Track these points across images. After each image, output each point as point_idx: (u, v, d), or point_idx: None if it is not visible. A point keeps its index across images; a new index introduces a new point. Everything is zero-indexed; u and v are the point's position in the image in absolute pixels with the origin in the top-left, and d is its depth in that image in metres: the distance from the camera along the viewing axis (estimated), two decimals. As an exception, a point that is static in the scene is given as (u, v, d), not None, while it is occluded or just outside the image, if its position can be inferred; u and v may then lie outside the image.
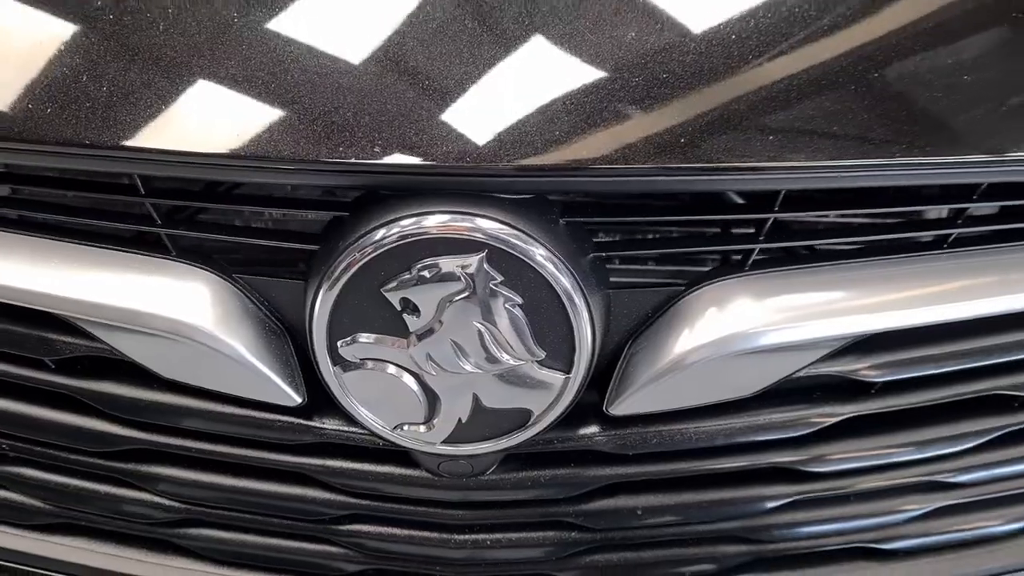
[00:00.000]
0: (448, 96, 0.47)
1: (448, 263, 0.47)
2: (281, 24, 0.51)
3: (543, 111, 0.48)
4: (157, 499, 0.59)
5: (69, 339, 0.55)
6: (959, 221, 0.53)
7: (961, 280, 0.53)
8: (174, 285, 0.51)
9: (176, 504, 0.58)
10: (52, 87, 0.47)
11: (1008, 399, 0.58)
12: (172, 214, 0.54)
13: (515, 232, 0.46)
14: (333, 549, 0.57)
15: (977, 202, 0.52)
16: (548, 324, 0.48)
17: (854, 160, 0.45)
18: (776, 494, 0.56)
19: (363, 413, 0.53)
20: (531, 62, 0.48)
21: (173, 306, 0.51)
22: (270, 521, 0.59)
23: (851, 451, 0.55)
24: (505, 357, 0.49)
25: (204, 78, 0.48)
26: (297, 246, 0.50)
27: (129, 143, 0.45)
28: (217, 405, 0.55)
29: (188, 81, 0.47)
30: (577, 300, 0.47)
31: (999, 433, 0.59)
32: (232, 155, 0.46)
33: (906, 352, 0.53)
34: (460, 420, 0.53)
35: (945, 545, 0.63)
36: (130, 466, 0.56)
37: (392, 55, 0.48)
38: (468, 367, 0.50)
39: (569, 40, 0.50)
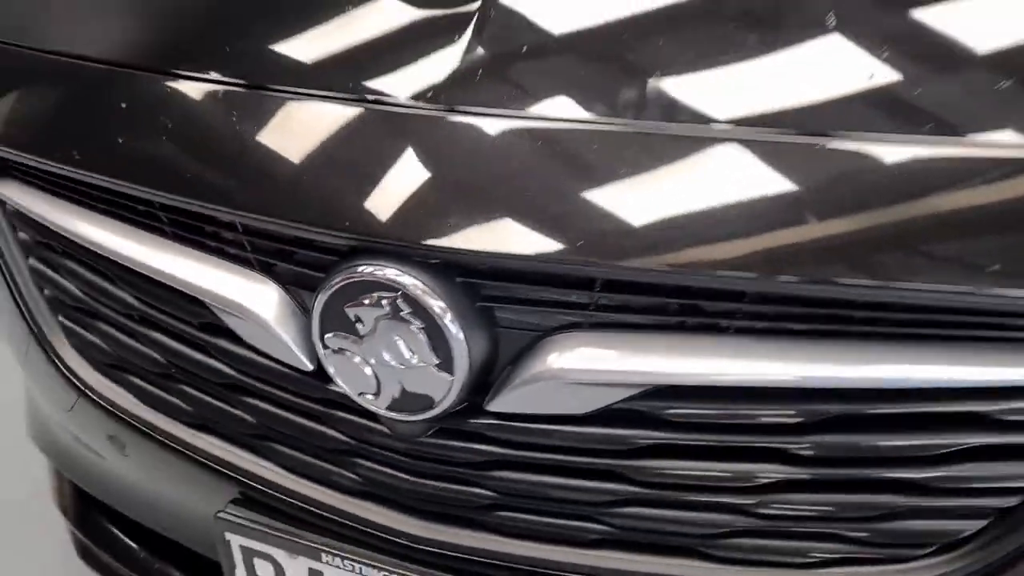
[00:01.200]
0: (391, 185, 0.73)
1: (377, 297, 0.72)
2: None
3: (457, 200, 0.71)
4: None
5: (206, 312, 0.87)
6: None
7: (743, 358, 0.68)
8: (256, 289, 0.80)
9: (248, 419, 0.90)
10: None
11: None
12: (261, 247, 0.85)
13: (421, 285, 0.70)
14: (334, 468, 0.86)
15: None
16: (440, 343, 0.70)
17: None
18: (607, 489, 0.75)
19: (340, 383, 0.80)
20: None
21: (254, 303, 0.80)
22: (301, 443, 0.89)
23: (658, 468, 0.72)
24: (414, 359, 0.73)
25: None
26: (313, 274, 0.77)
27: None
28: (270, 362, 0.84)
29: None
30: (457, 332, 0.69)
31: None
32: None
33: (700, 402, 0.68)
34: (394, 396, 0.77)
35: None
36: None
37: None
38: (393, 363, 0.74)
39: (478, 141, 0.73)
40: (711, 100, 0.64)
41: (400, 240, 0.70)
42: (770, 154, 0.61)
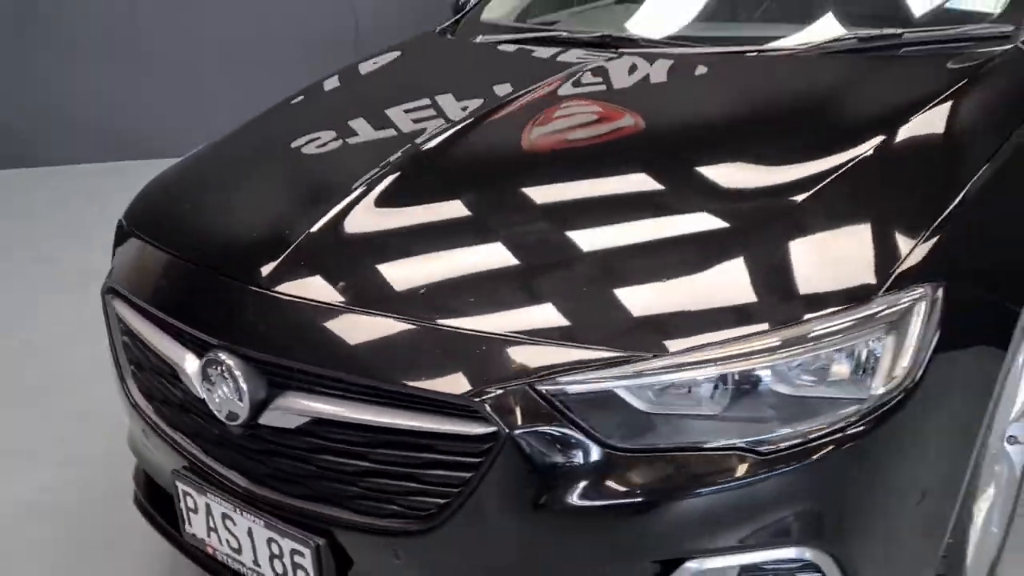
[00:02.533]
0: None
1: (219, 368, 1.35)
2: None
3: (255, 326, 1.37)
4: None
5: (171, 368, 1.52)
6: None
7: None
8: (188, 359, 1.57)
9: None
10: None
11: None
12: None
13: (235, 364, 1.33)
14: (214, 450, 1.48)
15: None
16: (240, 390, 1.32)
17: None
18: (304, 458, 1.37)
19: (210, 406, 1.39)
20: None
21: (186, 366, 1.53)
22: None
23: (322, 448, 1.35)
24: (231, 396, 1.46)
25: None
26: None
27: None
28: (192, 395, 1.47)
29: None
30: (246, 386, 1.40)
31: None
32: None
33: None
34: (226, 413, 1.36)
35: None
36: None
37: None
38: (224, 397, 1.45)
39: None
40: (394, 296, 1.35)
41: (227, 343, 1.48)
42: (379, 328, 1.32)
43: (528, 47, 2.24)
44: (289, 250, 1.44)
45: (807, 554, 1.23)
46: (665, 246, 1.36)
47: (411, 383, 1.24)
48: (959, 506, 1.44)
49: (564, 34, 2.30)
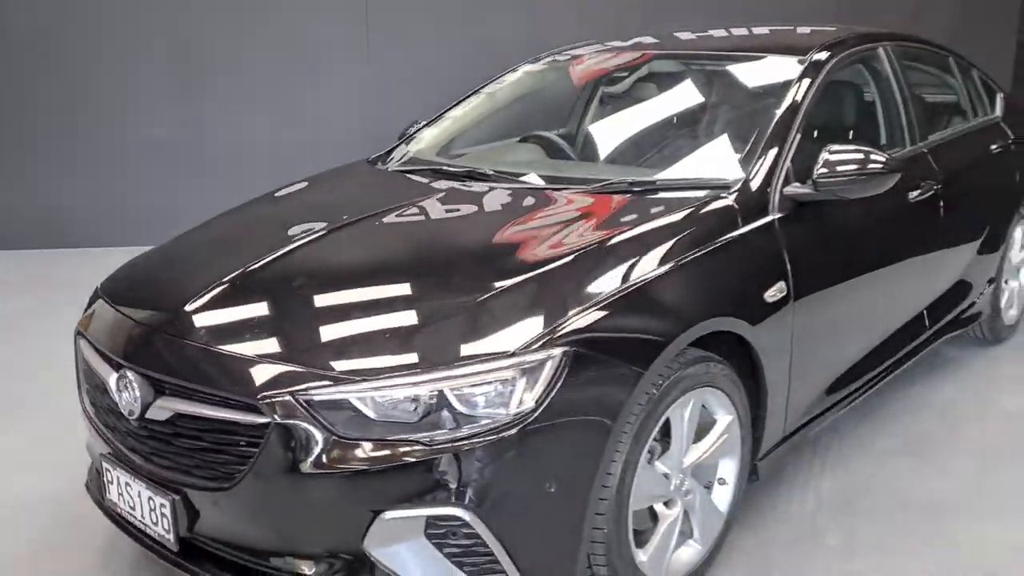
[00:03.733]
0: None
1: (125, 380, 2.12)
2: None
3: (147, 353, 2.17)
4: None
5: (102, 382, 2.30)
6: None
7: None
8: (111, 372, 2.43)
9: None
10: None
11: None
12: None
13: (131, 375, 2.08)
14: (124, 438, 2.15)
15: None
16: (134, 392, 2.05)
17: None
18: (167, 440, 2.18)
19: (120, 407, 2.13)
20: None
21: (111, 380, 2.43)
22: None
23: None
24: (130, 400, 2.21)
25: None
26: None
27: None
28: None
29: None
30: (138, 391, 2.19)
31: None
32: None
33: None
34: (128, 411, 2.09)
35: None
36: None
37: None
38: (127, 399, 2.24)
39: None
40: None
41: (131, 364, 2.29)
42: (213, 357, 2.10)
43: (415, 176, 3.05)
44: (174, 313, 2.26)
45: (459, 512, 1.95)
46: (389, 313, 2.14)
47: (225, 392, 2.01)
48: (611, 501, 2.09)
49: (447, 167, 3.13)
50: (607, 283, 2.18)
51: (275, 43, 6.01)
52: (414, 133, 3.52)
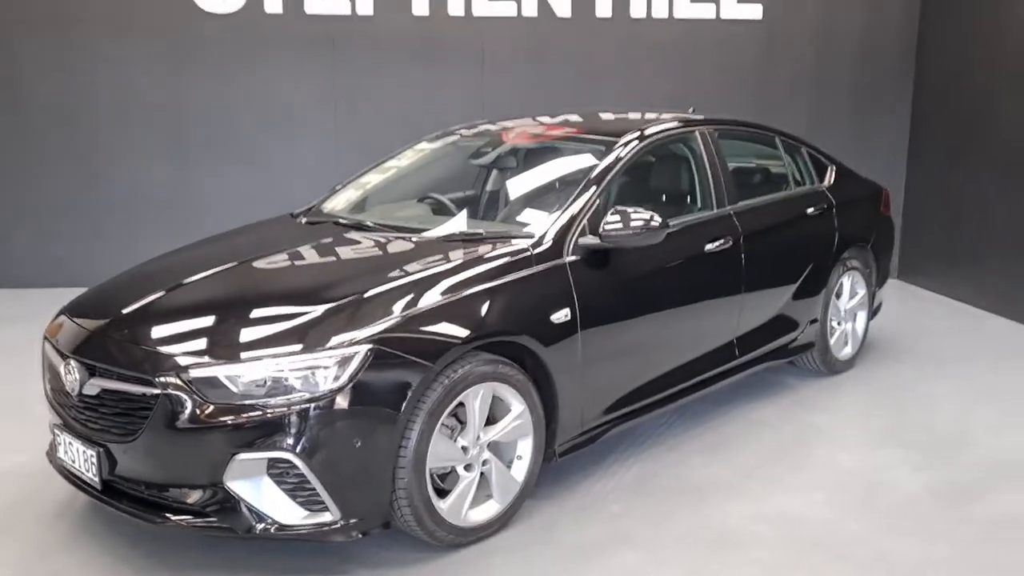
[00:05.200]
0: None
1: (69, 365, 3.01)
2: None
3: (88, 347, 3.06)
4: None
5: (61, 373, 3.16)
6: None
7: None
8: (62, 364, 3.35)
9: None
10: None
11: None
12: None
13: (75, 364, 2.97)
14: (70, 411, 2.98)
15: None
16: (76, 377, 2.95)
17: None
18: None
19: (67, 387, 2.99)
20: None
21: (63, 372, 3.36)
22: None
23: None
24: (73, 382, 3.07)
25: None
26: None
27: None
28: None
29: None
30: (79, 373, 3.07)
31: None
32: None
33: None
34: (72, 391, 2.96)
35: None
36: None
37: None
38: (71, 384, 3.04)
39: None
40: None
41: (74, 355, 3.19)
42: (126, 348, 3.05)
43: (316, 226, 3.96)
44: (106, 322, 3.15)
45: (288, 455, 2.82)
46: (249, 320, 3.04)
47: (133, 372, 2.89)
48: (409, 458, 2.92)
49: (342, 220, 4.07)
50: (411, 302, 3.07)
51: (255, 113, 7.04)
52: (331, 193, 4.48)
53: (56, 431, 3.21)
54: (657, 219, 3.53)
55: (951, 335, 5.97)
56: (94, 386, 3.00)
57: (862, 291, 5.18)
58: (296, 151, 7.07)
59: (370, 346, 2.87)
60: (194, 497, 2.88)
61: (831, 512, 3.47)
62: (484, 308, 3.18)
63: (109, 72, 6.90)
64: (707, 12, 7.17)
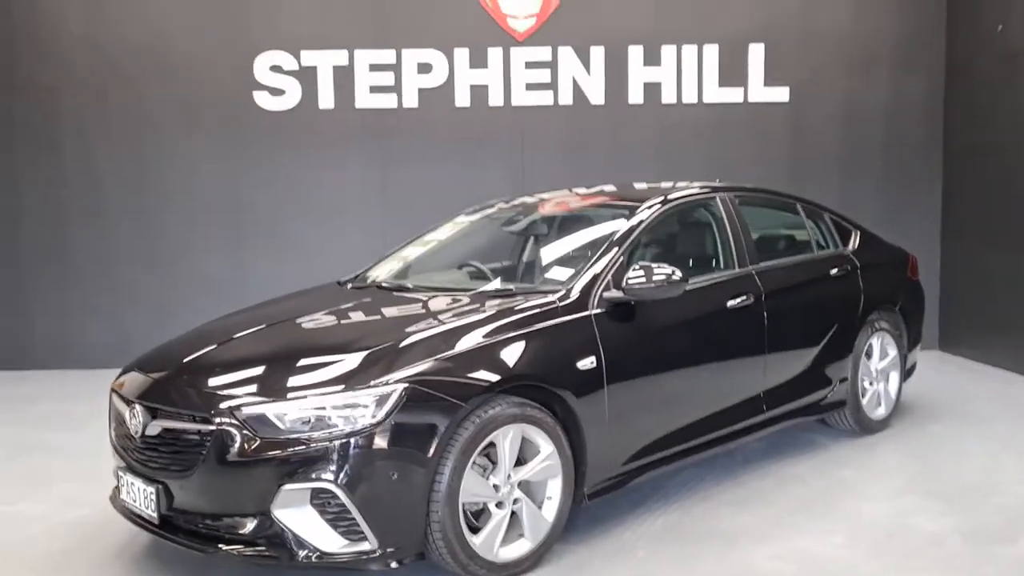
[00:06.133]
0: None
1: (133, 410, 3.30)
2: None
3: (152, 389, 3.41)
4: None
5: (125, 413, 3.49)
6: None
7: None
8: (127, 410, 3.65)
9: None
10: None
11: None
12: None
13: (139, 409, 3.28)
14: (132, 452, 3.28)
15: None
16: (140, 420, 3.26)
17: None
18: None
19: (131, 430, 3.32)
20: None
21: (127, 415, 3.66)
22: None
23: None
24: (136, 426, 3.43)
25: None
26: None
27: None
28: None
29: None
30: (142, 417, 3.38)
31: None
32: None
33: None
34: (136, 433, 3.26)
35: None
36: None
37: None
38: (134, 426, 3.40)
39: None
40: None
41: (137, 400, 3.51)
42: (184, 391, 3.35)
43: (361, 290, 4.29)
44: (171, 368, 3.46)
45: (330, 486, 3.04)
46: (297, 365, 3.32)
47: (190, 410, 3.18)
48: (442, 493, 3.12)
49: (385, 285, 4.39)
50: (445, 348, 3.31)
51: (306, 202, 7.51)
52: (375, 263, 4.82)
53: (120, 473, 3.48)
54: (678, 274, 3.75)
55: (989, 398, 6.01)
56: (156, 427, 3.27)
57: (893, 352, 5.28)
58: (346, 238, 7.48)
59: (406, 385, 3.12)
60: (245, 528, 3.10)
61: (851, 552, 3.57)
62: (513, 354, 3.41)
63: (178, 169, 7.45)
64: (735, 96, 7.49)
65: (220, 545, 3.15)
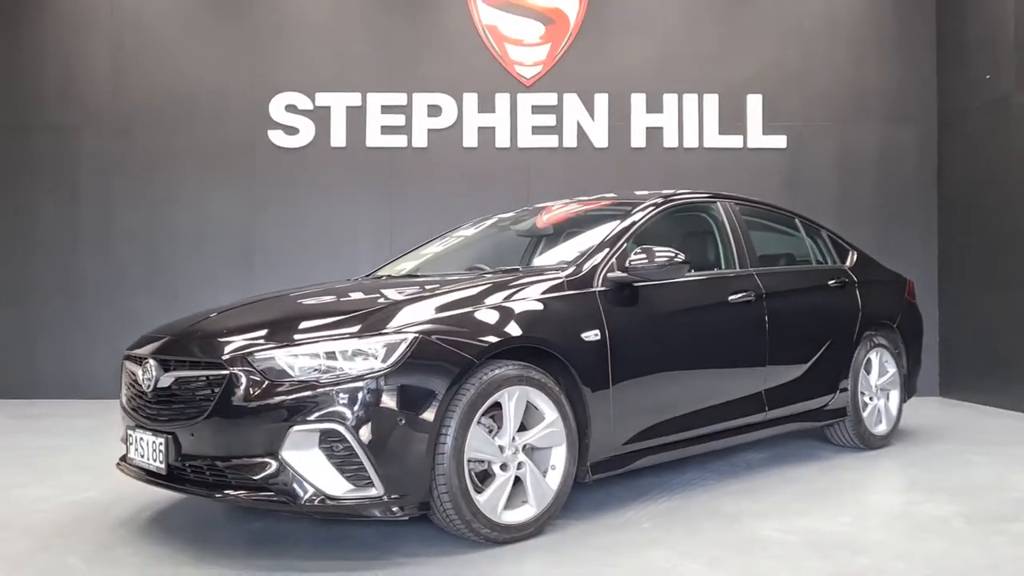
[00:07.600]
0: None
1: (145, 364, 3.37)
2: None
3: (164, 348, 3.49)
4: None
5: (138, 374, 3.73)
6: None
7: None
8: (137, 367, 3.70)
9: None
10: None
11: None
12: None
13: (152, 362, 3.33)
14: (142, 405, 3.33)
15: None
16: (152, 373, 3.31)
17: None
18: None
19: (143, 384, 3.34)
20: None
21: (137, 372, 3.69)
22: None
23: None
24: (148, 377, 3.48)
25: None
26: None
27: None
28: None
29: None
30: (156, 371, 3.45)
31: None
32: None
33: None
34: (149, 387, 3.31)
35: None
36: None
37: None
38: (149, 378, 3.46)
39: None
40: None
41: (148, 355, 3.59)
42: (199, 340, 3.43)
43: (376, 280, 4.41)
44: (185, 327, 3.55)
45: (337, 427, 3.08)
46: (315, 318, 3.42)
47: (203, 357, 3.24)
48: (449, 445, 3.16)
49: (391, 274, 4.50)
50: (456, 305, 3.41)
51: (316, 237, 7.67)
52: (382, 266, 4.96)
53: (128, 434, 3.53)
54: (680, 256, 3.86)
55: (992, 427, 6.04)
56: (168, 378, 3.33)
57: (892, 369, 5.34)
58: (355, 273, 7.53)
59: (415, 335, 3.19)
60: (253, 473, 3.13)
61: (856, 528, 3.57)
62: (521, 318, 3.50)
63: (190, 204, 7.63)
64: (735, 142, 7.72)
65: (227, 491, 3.15)
